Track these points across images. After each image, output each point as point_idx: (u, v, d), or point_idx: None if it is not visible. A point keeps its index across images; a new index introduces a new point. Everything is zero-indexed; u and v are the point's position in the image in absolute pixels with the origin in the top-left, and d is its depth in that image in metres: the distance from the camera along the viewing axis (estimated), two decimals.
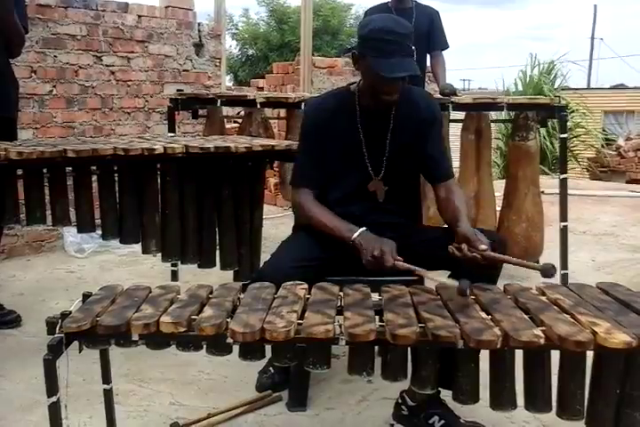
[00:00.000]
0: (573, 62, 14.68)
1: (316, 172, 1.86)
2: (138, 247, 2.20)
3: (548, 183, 4.47)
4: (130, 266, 3.43)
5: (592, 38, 26.33)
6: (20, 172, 2.01)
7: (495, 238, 1.70)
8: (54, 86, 3.75)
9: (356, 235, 1.67)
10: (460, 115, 2.97)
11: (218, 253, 2.28)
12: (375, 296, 1.38)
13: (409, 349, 1.21)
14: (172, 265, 2.98)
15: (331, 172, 1.86)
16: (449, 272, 1.67)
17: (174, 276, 3.06)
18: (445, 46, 3.80)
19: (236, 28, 18.30)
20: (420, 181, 1.99)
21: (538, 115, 2.88)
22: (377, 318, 1.25)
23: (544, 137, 7.23)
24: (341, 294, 1.38)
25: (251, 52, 17.66)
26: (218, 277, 2.48)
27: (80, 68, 3.89)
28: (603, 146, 9.65)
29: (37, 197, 2.01)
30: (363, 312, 1.25)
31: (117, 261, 3.54)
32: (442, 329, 1.16)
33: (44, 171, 2.02)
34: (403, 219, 1.89)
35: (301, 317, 1.24)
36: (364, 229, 1.69)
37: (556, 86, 8.53)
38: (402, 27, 1.68)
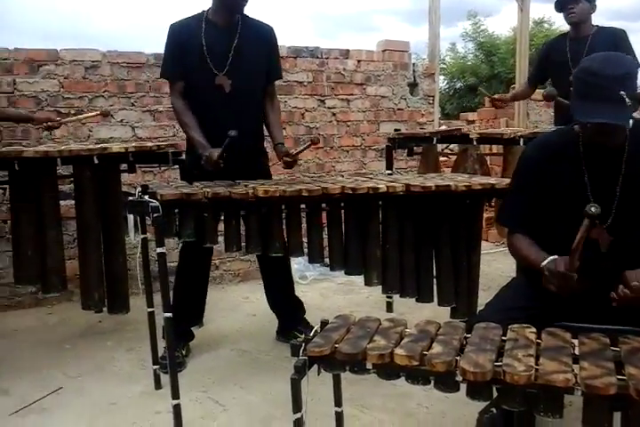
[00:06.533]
0: None
1: (529, 213, 1.79)
2: (354, 277, 2.34)
3: None
4: (347, 294, 3.62)
5: None
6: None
7: None
8: (284, 128, 4.18)
9: (545, 262, 1.61)
10: None
11: (435, 288, 2.33)
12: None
13: None
14: (388, 297, 3.09)
15: (547, 215, 1.76)
16: None
17: (389, 307, 3.17)
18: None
19: (443, 63, 18.47)
20: None
21: None
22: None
23: None
24: (575, 342, 1.33)
25: (458, 85, 17.66)
26: (431, 311, 2.51)
27: (306, 111, 4.29)
28: None
29: (278, 230, 2.25)
30: (601, 363, 1.20)
31: (335, 288, 3.76)
32: None
33: (283, 207, 2.28)
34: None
35: (536, 362, 1.23)
36: (555, 256, 1.61)
37: None
38: (610, 69, 1.52)
